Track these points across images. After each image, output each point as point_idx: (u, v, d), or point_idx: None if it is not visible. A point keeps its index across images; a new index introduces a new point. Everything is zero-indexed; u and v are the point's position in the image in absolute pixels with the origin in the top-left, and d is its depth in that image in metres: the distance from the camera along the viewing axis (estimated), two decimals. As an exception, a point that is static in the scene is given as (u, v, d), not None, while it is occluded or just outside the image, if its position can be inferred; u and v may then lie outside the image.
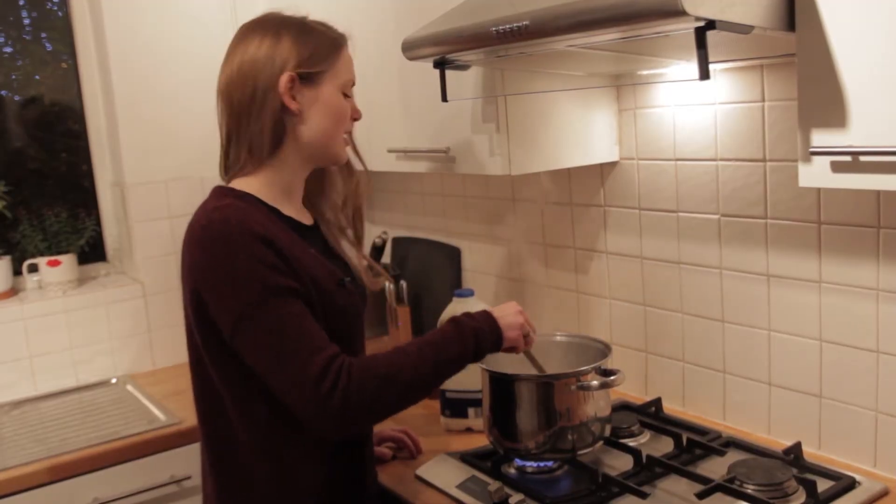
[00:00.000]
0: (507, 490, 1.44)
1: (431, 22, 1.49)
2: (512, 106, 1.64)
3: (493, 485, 1.44)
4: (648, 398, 1.82)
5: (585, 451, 1.51)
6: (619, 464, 1.56)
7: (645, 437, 1.69)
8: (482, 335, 1.36)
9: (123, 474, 1.94)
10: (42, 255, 2.45)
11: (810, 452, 1.54)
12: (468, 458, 1.63)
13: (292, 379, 1.23)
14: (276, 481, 1.33)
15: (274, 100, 1.32)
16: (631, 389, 1.92)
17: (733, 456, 1.54)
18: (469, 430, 1.81)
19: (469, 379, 1.76)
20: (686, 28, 1.05)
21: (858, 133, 1.06)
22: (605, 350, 1.58)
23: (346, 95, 1.41)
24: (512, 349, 1.44)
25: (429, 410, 1.93)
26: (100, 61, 2.52)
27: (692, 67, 1.52)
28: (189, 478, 1.99)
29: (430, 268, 2.48)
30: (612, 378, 1.47)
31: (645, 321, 1.87)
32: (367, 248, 2.54)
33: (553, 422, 1.48)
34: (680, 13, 0.99)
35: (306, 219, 1.44)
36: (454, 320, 1.37)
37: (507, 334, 1.39)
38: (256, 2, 2.30)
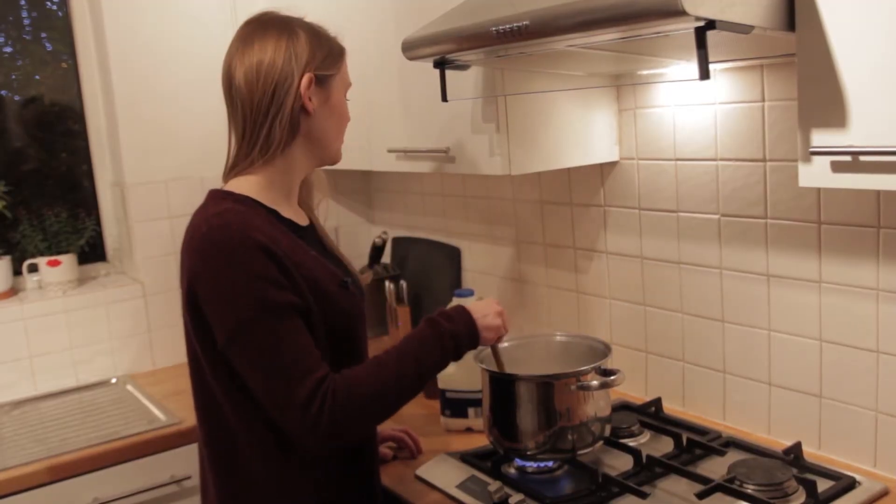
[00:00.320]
0: (507, 490, 1.44)
1: (431, 22, 1.49)
2: (512, 106, 1.64)
3: (493, 485, 1.44)
4: (648, 398, 1.82)
5: (585, 451, 1.51)
6: (619, 464, 1.56)
7: (645, 437, 1.69)
8: (460, 338, 1.38)
9: (123, 474, 1.94)
10: (42, 255, 2.45)
11: (810, 452, 1.54)
12: (468, 458, 1.63)
13: (281, 400, 1.24)
14: (277, 484, 1.33)
15: (294, 99, 1.33)
16: (631, 389, 1.92)
17: (733, 456, 1.54)
18: (469, 430, 1.81)
19: (469, 379, 1.76)
20: (686, 28, 1.05)
21: (858, 133, 1.06)
22: (605, 350, 1.58)
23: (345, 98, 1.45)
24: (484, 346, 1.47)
25: (429, 410, 1.93)
26: (100, 61, 2.52)
27: (692, 67, 1.52)
28: (189, 478, 1.99)
29: (430, 268, 2.48)
30: (612, 378, 1.47)
31: (645, 321, 1.87)
32: (366, 249, 2.56)
33: (553, 422, 1.48)
34: (680, 13, 0.99)
35: (302, 219, 1.44)
36: (432, 323, 1.37)
37: (483, 335, 1.42)
38: (256, 2, 2.30)
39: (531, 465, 1.56)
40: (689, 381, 1.80)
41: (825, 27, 1.07)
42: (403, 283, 2.40)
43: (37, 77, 2.58)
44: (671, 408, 1.81)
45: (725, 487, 1.38)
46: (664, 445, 1.62)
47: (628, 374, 1.79)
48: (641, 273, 1.85)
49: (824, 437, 1.55)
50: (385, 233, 2.52)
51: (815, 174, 1.12)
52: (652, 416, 1.77)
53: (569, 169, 1.95)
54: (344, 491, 1.40)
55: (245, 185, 1.35)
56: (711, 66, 1.54)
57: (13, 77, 2.54)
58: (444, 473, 1.59)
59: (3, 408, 2.25)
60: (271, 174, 1.37)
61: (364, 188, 2.83)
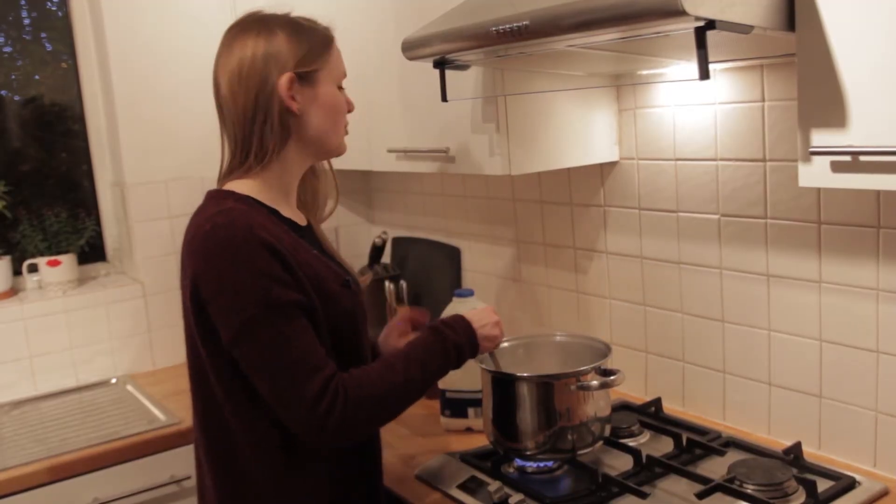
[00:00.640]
0: (507, 490, 1.44)
1: (431, 22, 1.49)
2: (512, 106, 1.64)
3: (493, 485, 1.44)
4: (648, 398, 1.82)
5: (585, 451, 1.51)
6: (619, 464, 1.56)
7: (645, 437, 1.69)
8: (462, 348, 1.40)
9: (123, 474, 1.94)
10: (42, 255, 2.45)
11: (810, 452, 1.54)
12: (468, 458, 1.63)
13: (290, 398, 1.24)
14: (278, 485, 1.33)
15: (276, 102, 1.31)
16: (631, 389, 1.92)
17: (733, 456, 1.54)
18: (469, 430, 1.81)
19: (469, 379, 1.76)
20: (686, 28, 1.05)
21: (858, 133, 1.06)
22: (605, 350, 1.58)
23: (340, 88, 1.42)
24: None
25: (429, 410, 1.93)
26: (100, 61, 2.52)
27: (692, 67, 1.52)
28: (189, 478, 1.99)
29: (430, 268, 2.48)
30: (612, 378, 1.47)
31: (645, 321, 1.87)
32: (366, 249, 2.55)
33: (553, 422, 1.48)
34: (680, 13, 0.99)
35: (301, 220, 1.43)
36: (436, 332, 1.39)
37: (483, 345, 1.44)
38: (256, 2, 2.30)
39: (531, 465, 1.56)
40: (689, 381, 1.80)
41: (825, 27, 1.07)
42: (403, 284, 2.40)
43: (37, 77, 2.58)
44: (671, 408, 1.81)
45: (725, 487, 1.38)
46: (664, 445, 1.62)
47: (628, 374, 1.78)
48: (641, 273, 1.85)
49: (824, 437, 1.55)
50: (385, 233, 2.52)
51: (815, 174, 1.12)
52: (652, 416, 1.77)
53: (569, 169, 1.95)
54: (346, 492, 1.40)
55: (245, 187, 1.35)
56: (711, 66, 1.54)
57: (13, 77, 2.54)
58: (444, 473, 1.59)
59: (3, 408, 2.25)
60: (268, 177, 1.36)
61: (364, 188, 2.83)
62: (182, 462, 1.99)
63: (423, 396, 1.99)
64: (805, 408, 1.57)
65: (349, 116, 1.45)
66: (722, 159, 1.64)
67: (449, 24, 1.42)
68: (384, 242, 2.51)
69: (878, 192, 1.39)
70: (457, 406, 1.81)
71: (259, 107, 1.31)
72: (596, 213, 1.94)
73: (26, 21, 2.54)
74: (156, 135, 2.48)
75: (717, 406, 1.74)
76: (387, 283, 2.44)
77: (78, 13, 2.54)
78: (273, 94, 1.31)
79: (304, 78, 1.34)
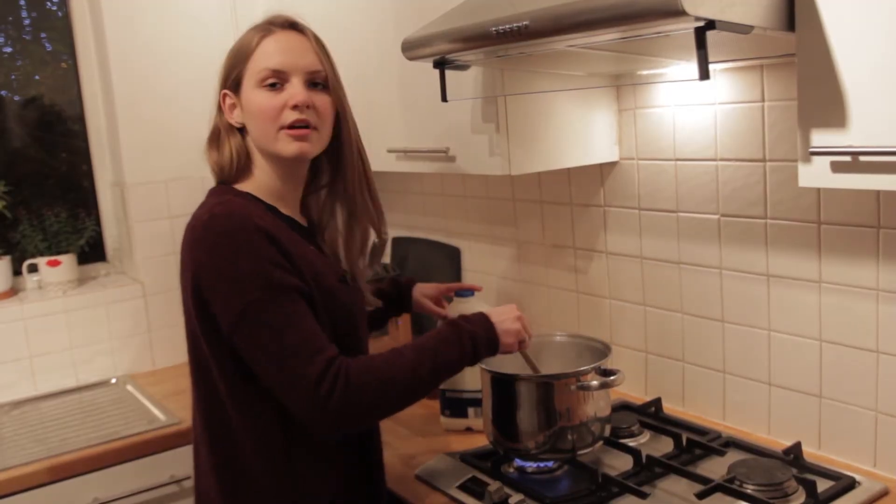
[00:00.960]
0: (507, 490, 1.44)
1: (431, 22, 1.49)
2: (512, 106, 1.64)
3: (493, 485, 1.44)
4: (648, 398, 1.82)
5: (585, 451, 1.51)
6: (619, 464, 1.56)
7: (645, 437, 1.69)
8: (479, 340, 1.35)
9: (123, 474, 1.94)
10: (42, 255, 2.45)
11: (810, 452, 1.54)
12: (468, 458, 1.63)
13: (291, 380, 1.23)
14: (280, 481, 1.33)
15: (224, 121, 1.38)
16: (631, 389, 1.92)
17: (733, 456, 1.54)
18: (469, 430, 1.81)
19: (469, 379, 1.76)
20: (686, 28, 1.05)
21: (858, 133, 1.06)
22: (605, 350, 1.58)
23: (273, 87, 1.32)
24: (507, 352, 1.44)
25: (429, 410, 1.93)
26: (100, 61, 2.52)
27: (692, 67, 1.51)
28: (189, 478, 1.99)
29: (430, 268, 2.48)
30: (612, 378, 1.47)
31: (645, 321, 1.87)
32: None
33: (553, 422, 1.48)
34: (680, 13, 0.99)
35: (301, 220, 1.44)
36: (452, 324, 1.36)
37: (503, 340, 1.39)
38: (256, 2, 2.30)
39: (531, 465, 1.56)
40: (689, 381, 1.80)
41: (825, 27, 1.07)
42: (403, 283, 2.40)
43: (37, 77, 2.58)
44: (671, 408, 1.81)
45: (725, 487, 1.38)
46: (664, 445, 1.62)
47: (628, 374, 1.79)
48: (641, 273, 1.85)
49: (824, 437, 1.55)
50: (385, 233, 2.52)
51: (815, 174, 1.12)
52: (652, 416, 1.77)
53: (569, 169, 1.95)
54: (346, 491, 1.40)
55: (244, 186, 1.37)
56: (711, 66, 1.54)
57: (13, 77, 2.54)
58: (444, 473, 1.59)
59: (3, 408, 2.25)
60: (257, 180, 1.38)
61: (364, 188, 2.83)
62: (182, 462, 1.99)
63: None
64: (805, 408, 1.57)
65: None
66: (722, 159, 1.64)
67: (449, 24, 1.42)
68: (384, 242, 2.51)
69: (878, 192, 1.39)
70: (457, 406, 1.81)
71: (218, 123, 1.40)
72: (596, 213, 1.94)
73: (26, 21, 2.54)
74: (156, 135, 2.48)
75: (717, 406, 1.74)
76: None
77: (78, 13, 2.54)
78: (222, 112, 1.39)
79: (234, 89, 1.37)
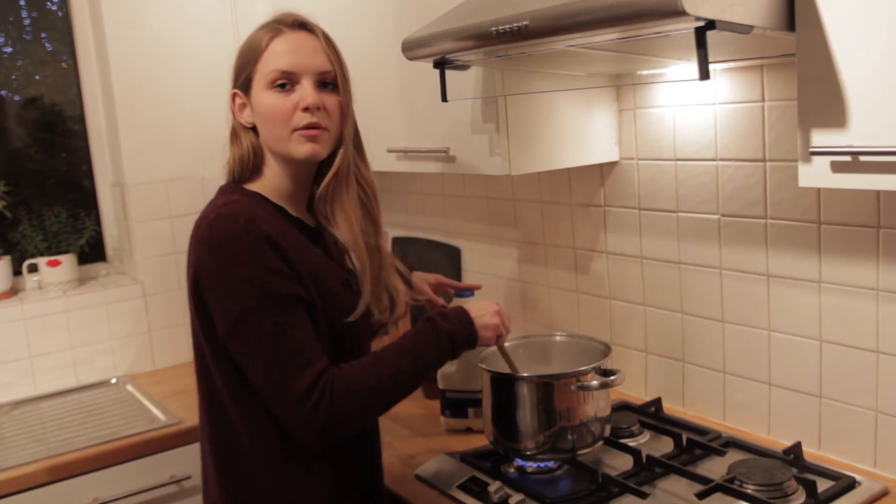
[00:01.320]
0: (507, 490, 1.44)
1: (431, 22, 1.49)
2: (512, 106, 1.64)
3: (493, 485, 1.44)
4: (648, 398, 1.82)
5: (585, 451, 1.51)
6: (619, 464, 1.56)
7: (645, 437, 1.69)
8: (457, 337, 1.37)
9: (123, 474, 1.94)
10: (42, 255, 2.45)
11: (810, 452, 1.54)
12: (468, 458, 1.63)
13: (279, 391, 1.24)
14: (280, 479, 1.33)
15: (235, 121, 1.38)
16: (631, 389, 1.91)
17: (733, 456, 1.54)
18: (469, 430, 1.81)
19: (469, 379, 1.76)
20: (686, 28, 1.05)
21: (858, 133, 1.06)
22: (605, 350, 1.58)
23: (283, 87, 1.31)
24: (485, 345, 1.46)
25: (429, 410, 1.93)
26: (100, 61, 2.52)
27: (692, 67, 1.51)
28: (189, 478, 1.99)
29: (430, 268, 2.47)
30: (612, 378, 1.47)
31: (645, 321, 1.87)
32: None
33: (553, 422, 1.48)
34: (680, 13, 0.99)
35: (310, 221, 1.44)
36: (430, 321, 1.37)
37: (481, 334, 1.40)
38: (256, 2, 2.31)
39: (531, 465, 1.56)
40: (689, 381, 1.80)
41: (825, 27, 1.07)
42: (403, 283, 2.40)
43: (37, 77, 2.58)
44: (671, 408, 1.81)
45: (725, 487, 1.38)
46: (664, 445, 1.62)
47: (628, 374, 1.79)
48: (641, 273, 1.85)
49: (824, 437, 1.55)
50: (385, 233, 2.52)
51: (815, 174, 1.12)
52: (652, 416, 1.77)
53: (569, 169, 1.95)
54: (345, 489, 1.40)
55: (254, 185, 1.38)
56: (711, 66, 1.54)
57: (13, 77, 2.54)
58: (444, 473, 1.59)
59: (3, 408, 2.25)
60: (268, 180, 1.38)
61: (364, 188, 2.83)
62: (182, 462, 1.99)
63: (424, 396, 2.02)
64: (805, 408, 1.57)
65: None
66: (722, 159, 1.64)
67: (449, 24, 1.42)
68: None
69: (878, 192, 1.39)
70: (457, 406, 1.81)
71: (231, 123, 1.40)
72: (596, 213, 1.94)
73: (26, 21, 2.54)
74: (156, 135, 2.48)
75: (717, 406, 1.74)
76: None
77: (78, 13, 2.54)
78: (234, 113, 1.39)
79: (244, 89, 1.36)
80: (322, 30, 1.37)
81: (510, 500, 1.42)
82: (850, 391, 1.49)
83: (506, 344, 1.52)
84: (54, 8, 2.56)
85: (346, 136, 1.38)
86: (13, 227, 2.47)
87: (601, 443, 1.55)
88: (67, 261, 2.45)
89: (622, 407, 1.83)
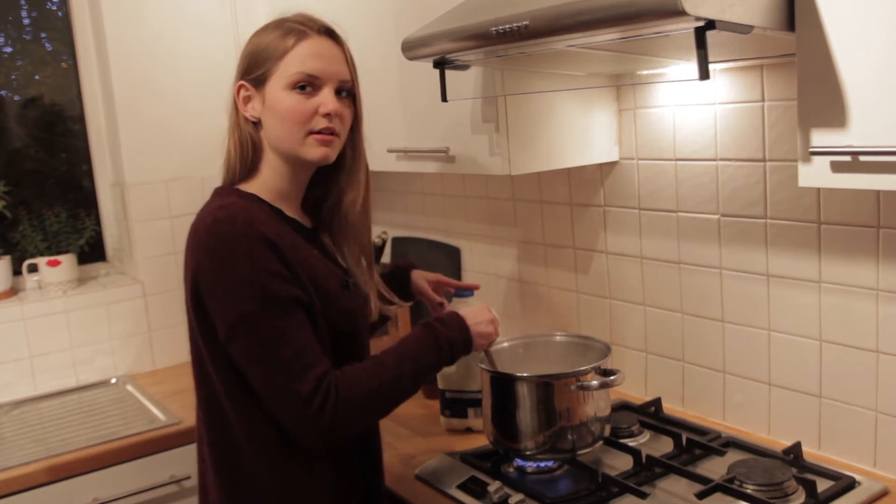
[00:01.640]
0: (507, 490, 1.44)
1: (431, 22, 1.49)
2: (512, 106, 1.64)
3: (493, 485, 1.44)
4: (648, 398, 1.82)
5: (585, 451, 1.51)
6: (619, 464, 1.56)
7: (645, 437, 1.69)
8: (456, 345, 1.39)
9: (123, 474, 1.94)
10: (42, 255, 2.45)
11: (810, 452, 1.54)
12: (468, 458, 1.63)
13: (282, 394, 1.24)
14: (280, 483, 1.33)
15: (238, 112, 1.36)
16: (631, 389, 1.92)
17: (733, 456, 1.54)
18: (469, 430, 1.81)
19: (469, 379, 1.76)
20: (686, 28, 1.05)
21: (858, 133, 1.06)
22: (605, 350, 1.58)
23: (303, 90, 1.32)
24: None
25: (429, 410, 1.93)
26: (100, 61, 2.52)
27: (692, 67, 1.51)
28: (189, 478, 1.99)
29: (430, 268, 2.47)
30: (612, 378, 1.47)
31: (645, 321, 1.87)
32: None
33: (553, 422, 1.48)
34: (680, 13, 0.99)
35: (306, 222, 1.44)
36: (429, 328, 1.39)
37: (476, 342, 1.43)
38: (256, 2, 2.31)
39: (531, 465, 1.56)
40: (688, 381, 1.80)
41: (825, 27, 1.07)
42: (403, 283, 2.39)
43: (37, 77, 2.58)
44: (671, 408, 1.81)
45: (725, 487, 1.38)
46: (664, 445, 1.62)
47: (628, 374, 1.79)
48: (641, 273, 1.85)
49: (824, 437, 1.55)
50: (385, 233, 2.52)
51: (815, 174, 1.12)
52: (652, 416, 1.77)
53: (569, 169, 1.95)
54: (345, 491, 1.40)
55: (250, 186, 1.37)
56: (711, 66, 1.54)
57: (13, 77, 2.54)
58: (444, 473, 1.59)
59: (3, 408, 2.25)
60: (264, 179, 1.37)
61: (364, 188, 2.83)
62: (182, 462, 1.99)
63: (424, 396, 2.02)
64: (805, 408, 1.57)
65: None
66: (722, 159, 1.64)
67: (449, 24, 1.42)
68: (384, 242, 2.51)
69: (878, 192, 1.39)
70: (457, 406, 1.81)
71: (233, 115, 1.37)
72: (596, 213, 1.94)
73: (26, 21, 2.54)
74: (156, 135, 2.48)
75: (717, 406, 1.74)
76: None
77: (78, 13, 2.54)
78: (237, 104, 1.36)
79: (256, 83, 1.34)
80: (344, 40, 1.40)
81: (510, 500, 1.42)
82: (850, 391, 1.49)
83: (495, 348, 1.56)
84: (54, 8, 2.56)
85: (362, 148, 1.43)
86: (13, 227, 2.47)
87: (601, 443, 1.55)
88: (67, 261, 2.45)
89: (622, 407, 1.83)
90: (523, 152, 1.67)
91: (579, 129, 1.78)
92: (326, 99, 1.33)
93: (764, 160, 1.56)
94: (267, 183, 1.37)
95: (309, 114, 1.32)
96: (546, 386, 1.48)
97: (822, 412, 1.54)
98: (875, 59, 1.03)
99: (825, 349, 1.52)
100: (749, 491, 1.37)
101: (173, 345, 2.51)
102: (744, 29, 1.07)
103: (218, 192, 1.37)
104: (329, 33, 1.36)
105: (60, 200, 2.58)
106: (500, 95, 1.63)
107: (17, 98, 2.55)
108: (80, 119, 2.60)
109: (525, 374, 1.52)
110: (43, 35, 2.57)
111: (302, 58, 1.32)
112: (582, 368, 1.49)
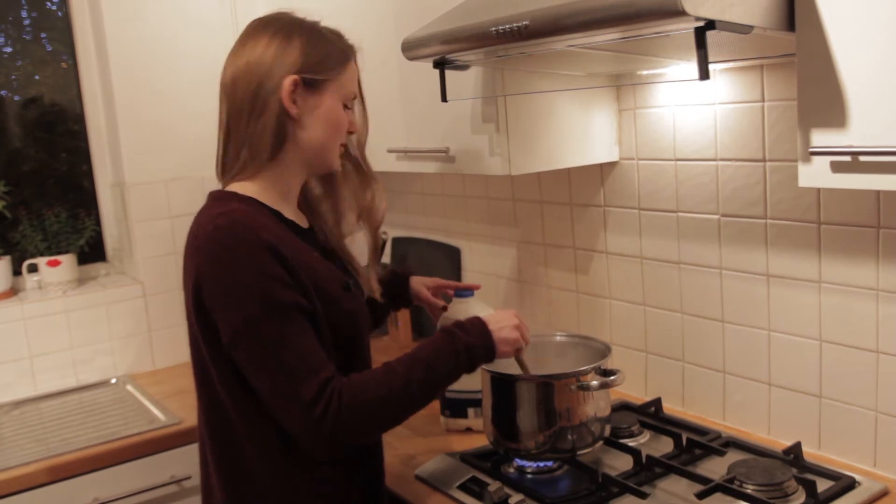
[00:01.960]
0: (507, 490, 1.44)
1: (431, 22, 1.49)
2: (512, 106, 1.64)
3: (493, 485, 1.44)
4: (648, 398, 1.82)
5: (585, 451, 1.51)
6: (619, 464, 1.56)
7: (645, 437, 1.69)
8: (475, 351, 1.33)
9: (123, 474, 1.94)
10: (42, 255, 2.45)
11: (810, 452, 1.54)
12: (468, 458, 1.63)
13: (286, 400, 1.23)
14: (283, 486, 1.32)
15: (276, 102, 1.30)
16: (631, 389, 1.92)
17: (733, 456, 1.54)
18: (469, 430, 1.81)
19: (469, 379, 1.76)
20: (686, 28, 1.05)
21: (858, 133, 1.06)
22: (605, 350, 1.58)
23: (346, 107, 1.39)
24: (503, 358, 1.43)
25: (429, 410, 1.91)
26: (100, 61, 2.52)
27: (692, 67, 1.51)
28: (189, 478, 1.99)
29: (430, 268, 2.48)
30: (612, 378, 1.47)
31: (645, 321, 1.87)
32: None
33: (553, 422, 1.48)
34: (680, 13, 0.99)
35: (303, 222, 1.44)
36: (448, 333, 1.34)
37: (500, 348, 1.36)
38: (256, 2, 2.31)
39: (531, 465, 1.56)
40: (689, 381, 1.80)
41: (825, 27, 1.07)
42: (403, 283, 2.39)
43: (37, 77, 2.58)
44: (671, 408, 1.81)
45: (725, 487, 1.38)
46: (664, 445, 1.62)
47: (628, 374, 1.78)
48: (641, 273, 1.85)
49: (824, 437, 1.55)
50: (385, 233, 2.52)
51: (815, 174, 1.12)
52: (652, 416, 1.77)
53: (569, 169, 1.95)
54: (348, 493, 1.40)
55: (247, 188, 1.35)
56: (711, 66, 1.54)
57: (13, 77, 2.54)
58: (444, 473, 1.59)
59: (3, 408, 2.25)
60: (267, 177, 1.35)
61: (364, 188, 2.83)
62: (182, 462, 1.99)
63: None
64: (805, 408, 1.57)
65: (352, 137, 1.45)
66: (722, 159, 1.64)
67: (449, 24, 1.42)
68: (384, 242, 2.51)
69: (878, 192, 1.39)
70: (457, 406, 1.81)
71: (257, 101, 1.30)
72: (596, 213, 1.94)
73: (26, 21, 2.54)
74: (156, 135, 2.48)
75: (717, 406, 1.74)
76: (387, 283, 2.43)
77: (78, 13, 2.54)
78: (274, 93, 1.30)
79: (311, 85, 1.33)
80: None
81: (510, 500, 1.42)
82: (850, 391, 1.49)
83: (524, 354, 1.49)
84: (54, 8, 2.56)
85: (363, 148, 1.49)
86: (13, 227, 2.47)
87: (601, 443, 1.55)
88: (67, 261, 2.45)
89: (622, 407, 1.83)
90: (523, 152, 1.67)
91: (579, 129, 1.78)
92: (354, 118, 1.42)
93: (764, 160, 1.56)
94: (268, 184, 1.36)
95: (346, 129, 1.41)
96: (546, 386, 1.48)
97: (822, 412, 1.54)
98: (875, 59, 1.03)
99: (825, 349, 1.52)
100: (749, 491, 1.37)
101: (173, 345, 2.51)
102: (744, 29, 1.07)
103: (216, 197, 1.35)
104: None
105: (60, 200, 2.58)
106: (500, 95, 1.63)
107: (17, 98, 2.55)
108: (80, 119, 2.60)
109: (525, 375, 1.52)
110: (43, 35, 2.57)
111: (354, 78, 1.41)
112: (582, 368, 1.49)
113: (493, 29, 1.27)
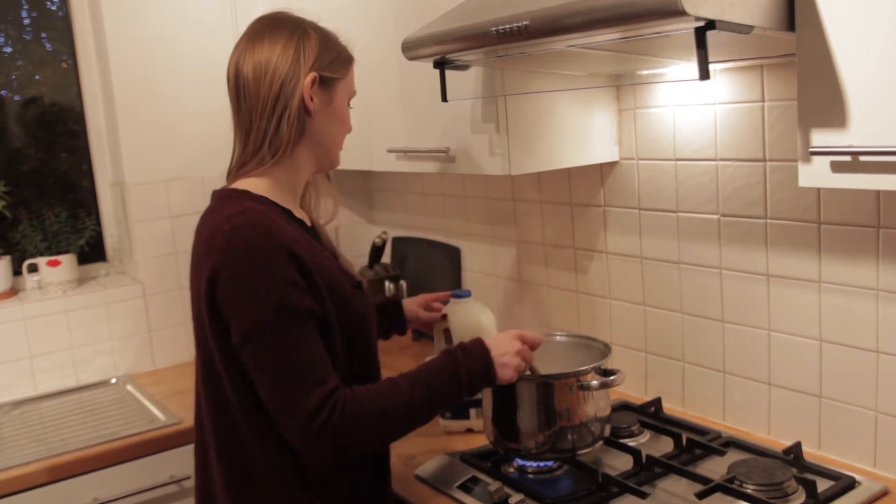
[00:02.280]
0: (507, 490, 1.44)
1: (431, 22, 1.49)
2: (512, 106, 1.64)
3: (493, 485, 1.44)
4: (648, 398, 1.82)
5: (585, 451, 1.51)
6: (619, 464, 1.56)
7: (645, 437, 1.69)
8: (476, 375, 1.35)
9: (123, 474, 1.94)
10: (42, 255, 2.45)
11: (810, 452, 1.54)
12: (468, 458, 1.63)
13: (288, 407, 1.23)
14: (289, 490, 1.32)
15: (297, 98, 1.33)
16: (631, 389, 1.92)
17: (733, 456, 1.54)
18: (469, 430, 1.81)
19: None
20: (686, 28, 1.05)
21: (858, 133, 1.06)
22: (605, 350, 1.58)
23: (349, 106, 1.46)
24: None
25: (429, 410, 1.93)
26: (100, 61, 2.52)
27: (692, 67, 1.52)
28: (189, 478, 1.99)
29: (430, 268, 2.49)
30: (612, 378, 1.47)
31: (645, 321, 1.87)
32: (366, 249, 2.56)
33: (553, 422, 1.48)
34: (680, 13, 0.99)
35: (308, 221, 1.44)
36: (451, 356, 1.35)
37: (500, 374, 1.37)
38: (256, 2, 2.31)
39: (531, 465, 1.56)
40: (689, 381, 1.80)
41: (825, 27, 1.07)
42: (403, 283, 2.40)
43: (37, 77, 2.58)
44: (671, 408, 1.81)
45: (725, 487, 1.38)
46: (664, 445, 1.62)
47: (628, 374, 1.79)
48: (641, 273, 1.85)
49: (824, 437, 1.55)
50: (385, 233, 2.52)
51: (815, 174, 1.12)
52: (652, 416, 1.77)
53: (569, 169, 1.95)
54: (354, 496, 1.39)
55: (258, 186, 1.34)
56: (711, 66, 1.54)
57: (13, 77, 2.54)
58: (445, 473, 1.59)
59: (3, 408, 2.25)
60: (279, 175, 1.36)
61: (364, 188, 2.83)
62: (182, 462, 1.99)
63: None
64: (805, 408, 1.57)
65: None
66: (722, 159, 1.64)
67: (449, 24, 1.42)
68: (384, 242, 2.51)
69: (878, 192, 1.39)
70: (457, 407, 1.81)
71: (281, 98, 1.32)
72: (596, 213, 1.94)
73: (26, 21, 2.54)
74: (156, 135, 2.48)
75: (717, 406, 1.74)
76: (387, 283, 2.44)
77: (78, 13, 2.54)
78: (295, 89, 1.33)
79: (326, 83, 1.37)
80: None
81: (510, 500, 1.42)
82: (850, 391, 1.49)
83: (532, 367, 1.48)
84: (54, 8, 2.56)
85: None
86: (13, 227, 2.47)
87: (601, 443, 1.55)
88: (67, 261, 2.45)
89: (622, 407, 1.83)
90: (523, 152, 1.67)
91: (579, 129, 1.78)
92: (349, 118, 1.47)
93: (764, 160, 1.56)
94: (279, 181, 1.36)
95: (350, 126, 1.47)
96: (546, 386, 1.48)
97: (822, 412, 1.54)
98: (875, 59, 1.03)
99: (825, 349, 1.52)
100: (749, 491, 1.37)
101: (173, 345, 2.51)
102: (744, 29, 1.07)
103: (227, 196, 1.34)
104: None
105: (60, 200, 2.58)
106: (500, 95, 1.63)
107: (17, 98, 2.55)
108: (80, 119, 2.60)
109: (525, 375, 1.52)
110: (43, 35, 2.57)
111: (353, 79, 1.46)
112: (582, 368, 1.49)
113: (493, 29, 1.27)
